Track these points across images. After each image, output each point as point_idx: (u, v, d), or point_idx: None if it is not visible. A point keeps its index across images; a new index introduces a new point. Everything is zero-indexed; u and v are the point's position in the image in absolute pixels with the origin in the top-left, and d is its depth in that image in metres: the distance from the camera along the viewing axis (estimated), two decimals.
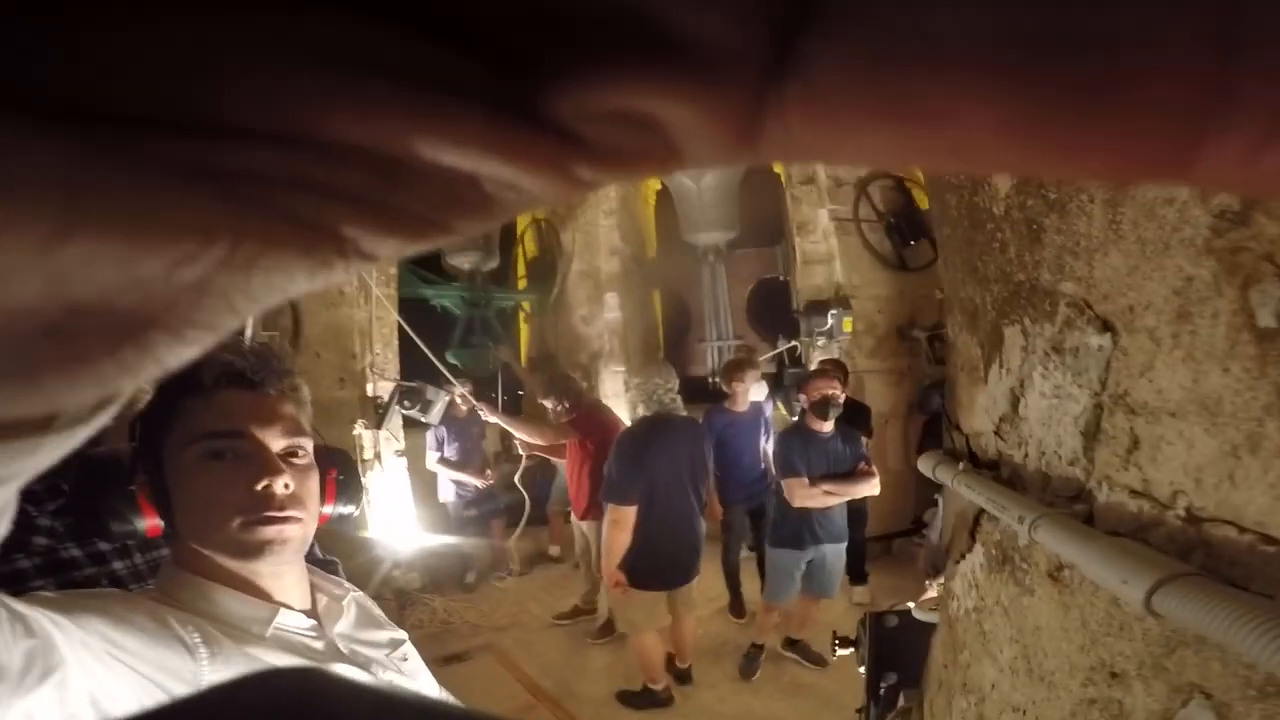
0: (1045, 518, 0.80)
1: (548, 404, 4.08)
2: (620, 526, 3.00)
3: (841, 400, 3.31)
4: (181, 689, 0.62)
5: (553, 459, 4.71)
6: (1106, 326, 0.72)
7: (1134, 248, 0.64)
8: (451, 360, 4.53)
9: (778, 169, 6.44)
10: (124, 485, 0.77)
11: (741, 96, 0.11)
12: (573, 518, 4.24)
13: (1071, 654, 0.81)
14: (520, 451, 4.55)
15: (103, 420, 0.15)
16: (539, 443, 4.16)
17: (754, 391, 4.20)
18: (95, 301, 0.12)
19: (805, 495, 3.23)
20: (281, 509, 0.71)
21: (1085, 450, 0.80)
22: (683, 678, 3.50)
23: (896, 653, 1.80)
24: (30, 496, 1.36)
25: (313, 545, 0.89)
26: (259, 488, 0.70)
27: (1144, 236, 0.62)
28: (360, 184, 0.12)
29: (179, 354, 0.13)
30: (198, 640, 0.66)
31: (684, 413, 3.25)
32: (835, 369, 3.79)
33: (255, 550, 0.71)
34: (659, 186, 7.28)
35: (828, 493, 3.27)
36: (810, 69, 0.11)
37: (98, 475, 0.82)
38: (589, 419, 4.01)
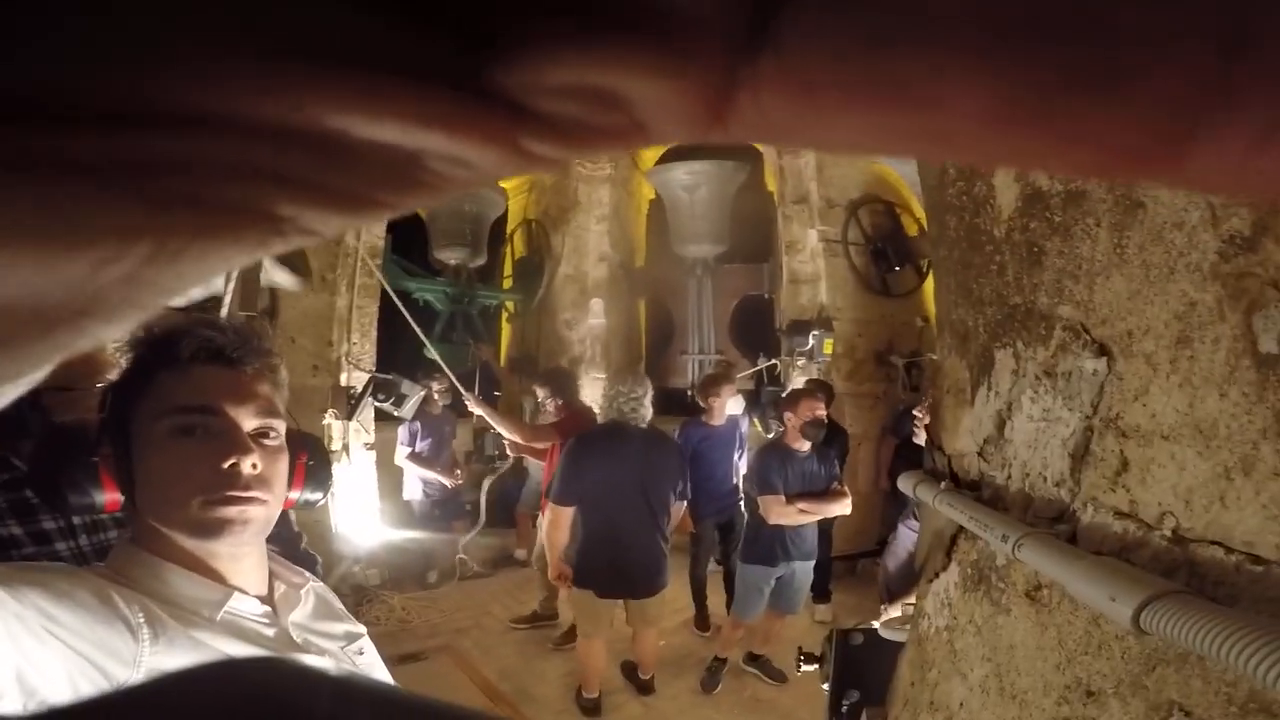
0: (1030, 537, 0.81)
1: (540, 393, 4.05)
2: (555, 525, 3.11)
3: (825, 421, 3.38)
4: (121, 669, 0.61)
5: (529, 459, 4.68)
6: (1103, 351, 0.73)
7: (1138, 271, 0.66)
8: (430, 355, 4.49)
9: (771, 186, 6.52)
10: (87, 457, 0.75)
11: (712, 70, 0.11)
12: (539, 521, 4.22)
13: (1046, 673, 0.82)
14: (509, 452, 4.52)
15: (35, 379, 0.15)
16: (516, 439, 4.13)
17: (730, 406, 4.23)
18: (21, 298, 0.11)
19: (781, 513, 3.27)
20: (246, 489, 0.70)
21: (1072, 472, 0.81)
22: (644, 689, 3.49)
23: (860, 671, 1.81)
24: None
25: (301, 536, 0.88)
26: (225, 466, 0.69)
27: (1149, 260, 0.64)
28: (296, 165, 0.12)
29: (114, 331, 0.13)
30: (141, 620, 0.64)
31: (643, 424, 3.18)
32: (821, 390, 3.83)
33: (215, 529, 0.69)
34: (652, 196, 7.32)
35: (803, 511, 3.30)
36: (787, 42, 0.10)
37: (60, 445, 0.81)
38: (574, 422, 3.98)
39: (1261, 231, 0.52)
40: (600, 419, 3.30)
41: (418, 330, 4.32)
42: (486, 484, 4.81)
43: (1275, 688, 0.41)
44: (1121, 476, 0.70)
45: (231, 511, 0.69)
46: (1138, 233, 0.65)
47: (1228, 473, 0.56)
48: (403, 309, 4.32)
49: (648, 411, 3.18)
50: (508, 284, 7.34)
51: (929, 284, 5.82)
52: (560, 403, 4.01)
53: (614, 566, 3.12)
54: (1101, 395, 0.74)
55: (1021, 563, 0.88)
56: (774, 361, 5.86)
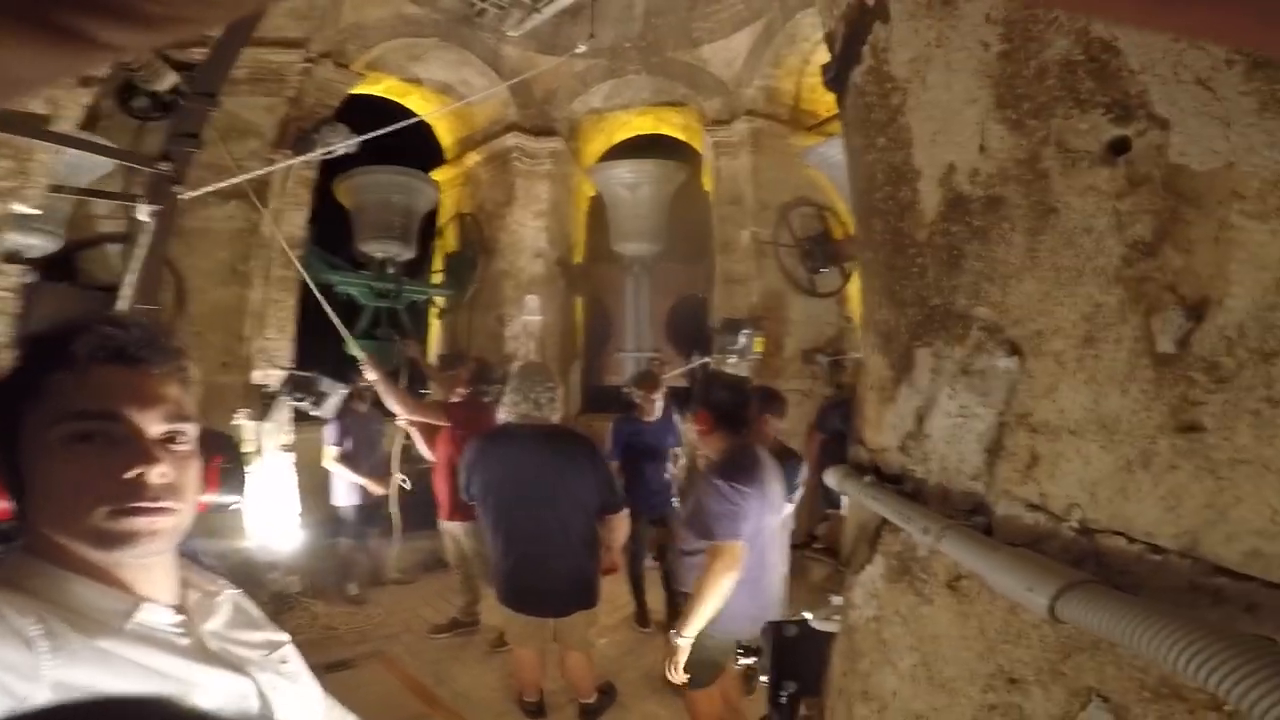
0: (951, 529, 0.83)
1: (449, 372, 3.98)
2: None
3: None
4: (22, 684, 0.56)
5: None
6: (1015, 350, 0.76)
7: (1049, 274, 0.69)
8: (353, 352, 4.29)
9: (708, 186, 6.60)
10: None
11: None
12: (440, 521, 4.02)
13: (971, 661, 0.85)
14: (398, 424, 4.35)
15: None
16: (399, 409, 3.98)
17: (656, 407, 4.25)
18: None
19: None
20: (155, 499, 0.66)
21: (987, 466, 0.85)
22: (586, 713, 3.21)
23: (796, 661, 1.84)
24: None
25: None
26: (129, 476, 0.65)
27: (1060, 264, 0.67)
28: None
29: None
30: (37, 633, 0.59)
31: (539, 423, 2.81)
32: (772, 400, 3.33)
33: (121, 541, 0.65)
34: (593, 193, 7.27)
35: None
36: None
37: None
38: (467, 409, 3.87)
39: (1162, 238, 0.55)
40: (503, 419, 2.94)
41: (339, 325, 4.13)
42: (394, 489, 4.60)
43: (1183, 672, 0.43)
44: (1032, 470, 0.74)
45: (140, 523, 0.66)
46: (1050, 237, 0.68)
47: (1129, 466, 0.59)
48: (324, 303, 4.12)
49: (553, 410, 2.86)
50: (437, 279, 7.12)
51: (853, 285, 6.05)
52: (464, 382, 3.93)
53: (520, 580, 2.81)
54: (1014, 392, 0.77)
55: (942, 554, 0.91)
56: (706, 359, 5.94)
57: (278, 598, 4.29)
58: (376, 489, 4.68)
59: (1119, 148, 0.64)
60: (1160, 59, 0.59)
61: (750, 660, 2.20)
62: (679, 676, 2.42)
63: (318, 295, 4.11)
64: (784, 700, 1.78)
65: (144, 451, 0.66)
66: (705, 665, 2.50)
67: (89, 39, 0.13)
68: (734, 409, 2.56)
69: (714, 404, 2.55)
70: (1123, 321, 0.59)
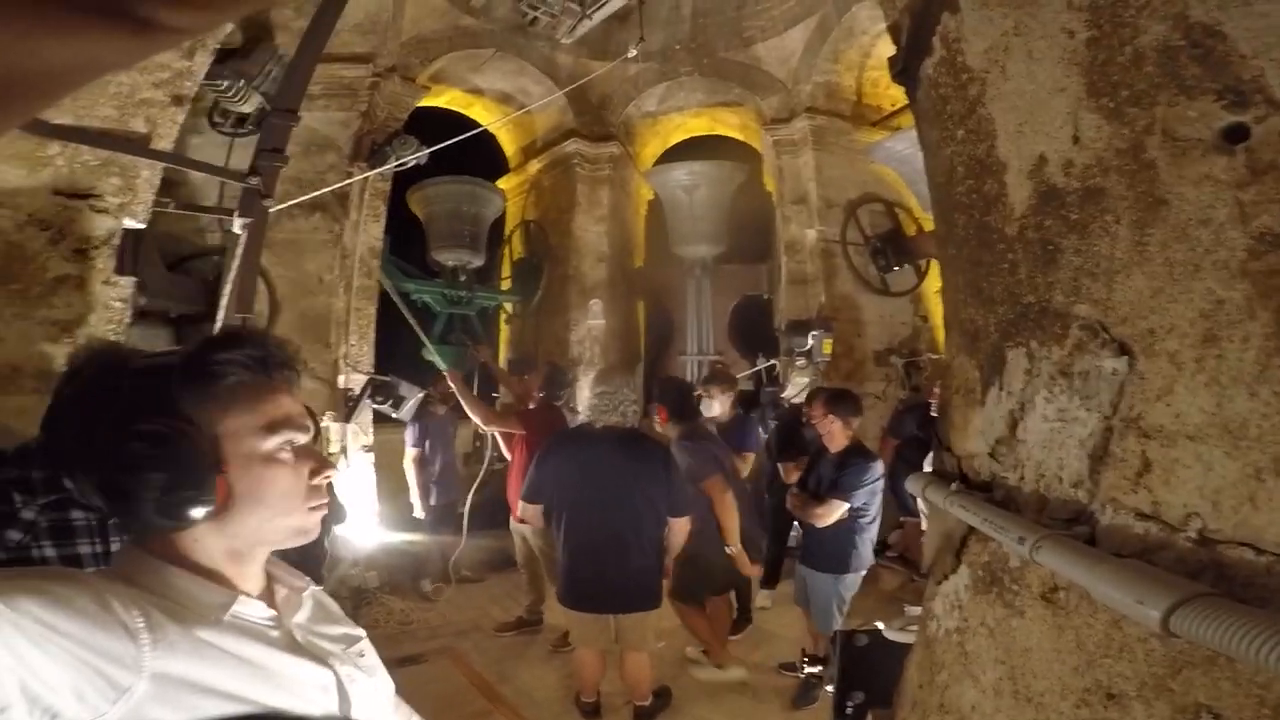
0: (1049, 539, 0.80)
1: (519, 376, 4.10)
2: (526, 518, 3.06)
3: None
4: (124, 674, 0.60)
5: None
6: (1123, 350, 0.72)
7: (1160, 269, 0.65)
8: (430, 356, 4.45)
9: (770, 186, 6.52)
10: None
11: None
12: (512, 521, 4.13)
13: (1064, 675, 0.81)
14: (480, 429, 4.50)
15: None
16: (477, 418, 4.16)
17: (712, 408, 4.21)
18: None
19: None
20: (324, 499, 0.78)
21: (1091, 473, 0.80)
22: (641, 715, 3.20)
23: (865, 672, 1.80)
24: (24, 486, 1.29)
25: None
26: (318, 481, 0.76)
27: (1172, 258, 0.63)
28: None
29: None
30: (141, 625, 0.63)
31: (626, 426, 2.91)
32: (846, 400, 3.50)
33: (303, 536, 0.76)
34: (651, 196, 7.31)
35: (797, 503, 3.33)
36: None
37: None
38: (539, 416, 3.96)
39: None
40: (585, 421, 3.07)
41: (418, 330, 4.30)
42: (470, 498, 4.73)
43: None
44: (1144, 477, 0.70)
45: (315, 519, 0.77)
46: (1160, 230, 0.65)
47: (1258, 473, 0.55)
48: (404, 310, 4.29)
49: (632, 414, 2.93)
50: (506, 285, 7.32)
51: (928, 283, 5.83)
52: (537, 388, 4.00)
53: (585, 578, 2.87)
54: (1122, 395, 0.73)
55: (1037, 565, 0.87)
56: (773, 362, 5.86)
57: (357, 592, 4.50)
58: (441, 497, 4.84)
59: (1236, 135, 0.59)
60: (1276, 43, 0.55)
61: (816, 669, 2.18)
62: (754, 569, 3.51)
63: (399, 304, 4.29)
64: (850, 711, 1.74)
65: (322, 457, 0.76)
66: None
67: (155, 24, 0.14)
68: (680, 402, 3.53)
69: (666, 401, 3.50)
70: (1250, 318, 0.55)
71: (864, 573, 3.35)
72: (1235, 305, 0.57)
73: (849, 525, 3.26)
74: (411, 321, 4.25)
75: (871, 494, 3.29)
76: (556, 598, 3.01)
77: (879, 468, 3.37)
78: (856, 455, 3.30)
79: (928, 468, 3.42)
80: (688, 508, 2.96)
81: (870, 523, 3.31)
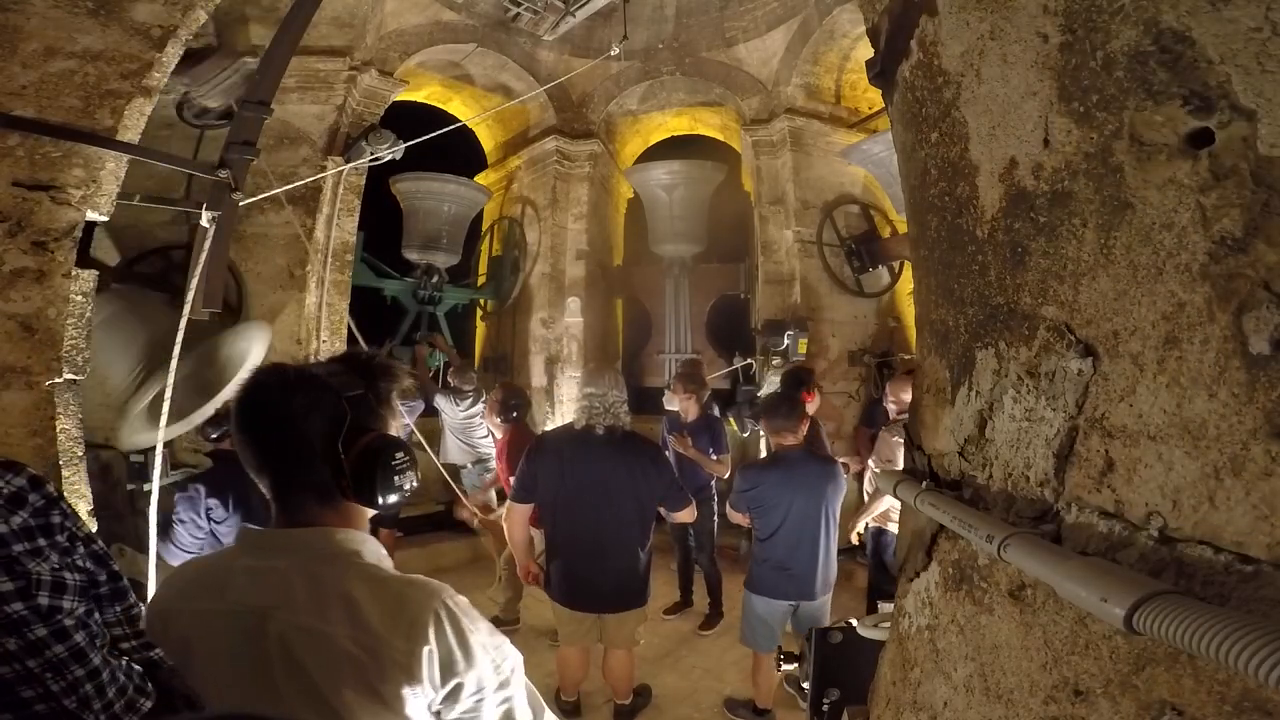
0: (1016, 537, 0.81)
1: (495, 419, 4.14)
2: (511, 521, 3.04)
3: None
4: None
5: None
6: (1088, 351, 0.73)
7: (1125, 272, 0.66)
8: (395, 356, 4.40)
9: (748, 187, 6.55)
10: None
11: None
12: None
13: (1033, 672, 0.82)
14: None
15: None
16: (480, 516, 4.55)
17: (673, 402, 4.38)
18: None
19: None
20: None
21: (1056, 472, 0.81)
22: (621, 714, 3.28)
23: (840, 669, 1.81)
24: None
25: None
26: None
27: (1136, 261, 0.64)
28: None
29: None
30: None
31: (618, 427, 2.96)
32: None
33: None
34: (631, 195, 7.30)
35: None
36: None
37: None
38: (516, 443, 4.03)
39: (1253, 233, 0.52)
40: (575, 421, 3.10)
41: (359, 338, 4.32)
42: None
43: (1274, 686, 0.41)
44: (1107, 477, 0.71)
45: None
46: (1125, 233, 0.66)
47: (1217, 473, 0.56)
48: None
49: (622, 414, 2.98)
50: (481, 282, 7.25)
51: (901, 285, 5.90)
52: (506, 423, 4.12)
53: (574, 576, 2.93)
54: (1086, 395, 0.74)
55: (1005, 562, 0.88)
56: (749, 361, 5.89)
57: None
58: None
59: (1200, 140, 0.60)
60: (1242, 49, 0.56)
61: (791, 666, 2.20)
62: None
63: (346, 301, 4.20)
64: (826, 708, 1.75)
65: None
66: None
67: None
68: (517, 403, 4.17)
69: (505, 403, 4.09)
70: (1210, 321, 0.56)
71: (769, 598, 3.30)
72: (1195, 308, 0.58)
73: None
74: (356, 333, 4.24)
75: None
76: (549, 594, 3.04)
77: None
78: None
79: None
80: (685, 500, 3.05)
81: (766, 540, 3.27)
